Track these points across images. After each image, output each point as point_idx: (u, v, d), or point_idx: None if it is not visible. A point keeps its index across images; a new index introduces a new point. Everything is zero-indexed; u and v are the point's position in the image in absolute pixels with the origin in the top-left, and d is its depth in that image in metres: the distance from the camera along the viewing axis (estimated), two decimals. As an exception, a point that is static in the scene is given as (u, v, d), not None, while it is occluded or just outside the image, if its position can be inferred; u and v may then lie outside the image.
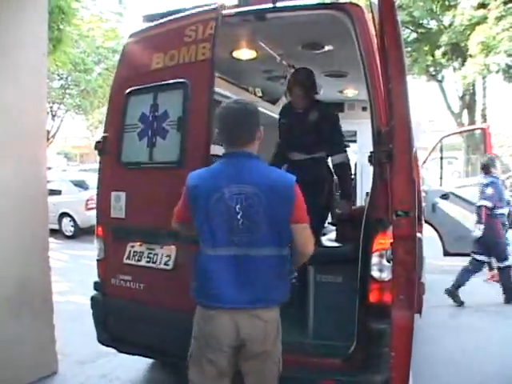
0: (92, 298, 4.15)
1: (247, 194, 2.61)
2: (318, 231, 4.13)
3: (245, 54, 4.95)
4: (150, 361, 4.73)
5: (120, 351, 4.18)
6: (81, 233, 13.49)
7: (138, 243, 3.92)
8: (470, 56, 18.03)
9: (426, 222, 5.81)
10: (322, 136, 4.44)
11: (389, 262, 2.40)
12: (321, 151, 4.55)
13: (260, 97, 6.70)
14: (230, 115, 2.72)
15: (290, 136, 4.63)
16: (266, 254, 2.64)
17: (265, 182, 2.64)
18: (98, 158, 4.27)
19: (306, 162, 4.52)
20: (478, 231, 6.70)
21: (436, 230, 7.62)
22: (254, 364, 2.71)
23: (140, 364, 4.76)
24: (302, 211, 2.68)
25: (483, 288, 7.60)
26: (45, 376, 4.65)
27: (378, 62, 3.24)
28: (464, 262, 6.94)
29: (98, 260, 4.16)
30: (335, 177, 4.66)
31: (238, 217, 2.60)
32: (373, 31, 3.34)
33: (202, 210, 2.65)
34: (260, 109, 6.31)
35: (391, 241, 2.36)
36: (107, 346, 4.15)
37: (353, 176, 8.46)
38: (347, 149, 9.59)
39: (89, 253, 4.08)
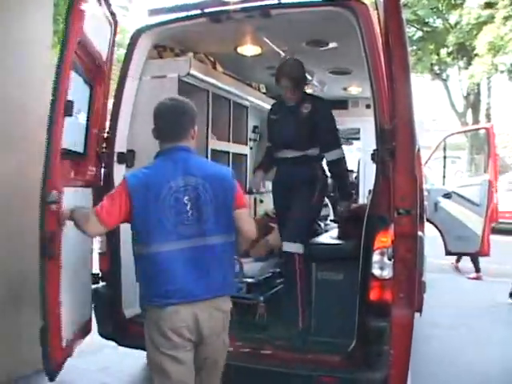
0: (94, 291, 4.16)
1: (193, 185, 2.65)
2: (307, 232, 4.13)
3: (249, 50, 4.94)
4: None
5: (120, 344, 4.19)
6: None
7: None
8: (477, 55, 17.98)
9: (428, 220, 5.81)
10: (315, 130, 4.17)
11: (390, 259, 2.40)
12: (314, 148, 4.23)
13: (264, 93, 6.70)
14: (166, 111, 2.79)
15: (281, 132, 4.34)
16: (217, 243, 2.69)
17: (207, 173, 2.72)
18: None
19: (299, 159, 4.22)
20: None
21: (438, 229, 7.61)
22: (211, 353, 2.76)
23: (140, 357, 4.75)
24: (242, 197, 2.88)
25: (484, 288, 7.61)
26: (42, 368, 4.68)
27: (383, 59, 3.24)
28: (465, 261, 6.95)
29: (100, 253, 4.18)
30: (329, 176, 4.44)
31: (187, 208, 2.63)
32: (378, 29, 3.34)
33: (149, 207, 2.61)
34: (264, 105, 6.40)
35: (392, 239, 2.36)
36: (108, 339, 4.16)
37: (355, 173, 8.51)
38: (350, 146, 9.66)
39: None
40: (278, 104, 4.60)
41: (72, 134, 3.46)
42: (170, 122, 2.77)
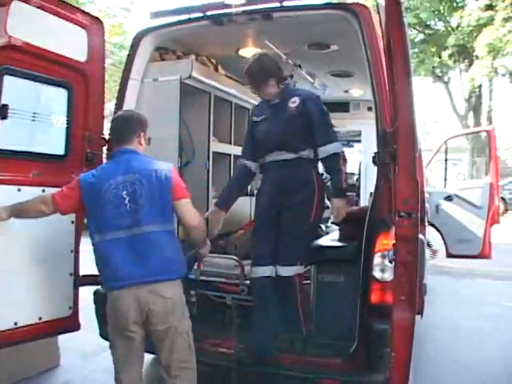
0: (95, 293, 4.17)
1: (131, 181, 3.03)
2: (308, 250, 3.74)
3: (251, 52, 4.93)
4: (151, 355, 4.74)
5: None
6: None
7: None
8: (477, 58, 17.98)
9: (429, 223, 5.80)
10: (308, 126, 3.70)
11: (391, 262, 2.40)
12: (309, 149, 3.73)
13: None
14: (116, 120, 3.34)
15: (269, 132, 3.80)
16: (153, 231, 3.01)
17: (145, 169, 3.08)
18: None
19: (291, 162, 3.73)
20: None
21: (439, 231, 7.61)
22: (163, 339, 3.04)
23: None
24: (182, 189, 3.14)
25: (487, 290, 7.60)
26: (48, 369, 4.69)
27: (384, 63, 3.24)
28: (466, 264, 6.93)
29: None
30: (327, 180, 4.01)
31: (126, 201, 3.00)
32: (379, 32, 3.34)
33: (96, 202, 3.04)
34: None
35: (394, 241, 2.37)
36: (109, 340, 4.16)
37: (356, 176, 8.51)
38: (352, 148, 9.64)
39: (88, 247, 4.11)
40: (261, 105, 4.09)
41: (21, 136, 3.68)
42: (117, 129, 3.30)
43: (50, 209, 3.20)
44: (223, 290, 3.93)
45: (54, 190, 3.60)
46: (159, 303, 2.99)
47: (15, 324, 3.55)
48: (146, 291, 2.97)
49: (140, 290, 2.97)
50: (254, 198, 6.66)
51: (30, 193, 3.59)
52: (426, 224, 5.28)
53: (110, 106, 9.32)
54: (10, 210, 3.26)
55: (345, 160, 3.73)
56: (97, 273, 4.11)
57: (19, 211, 3.27)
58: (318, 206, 3.75)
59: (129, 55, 4.31)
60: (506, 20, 16.76)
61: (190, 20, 4.12)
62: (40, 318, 3.71)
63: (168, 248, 3.08)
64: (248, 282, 3.88)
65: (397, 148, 2.30)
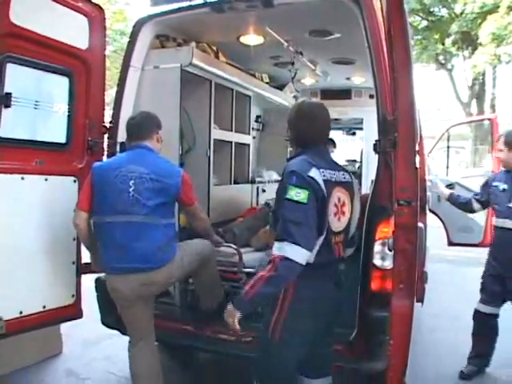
0: (96, 280, 4.18)
1: (140, 174, 3.23)
2: None
3: (252, 39, 4.92)
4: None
5: (123, 334, 4.21)
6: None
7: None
8: (481, 45, 17.89)
9: (430, 211, 5.79)
10: None
11: (390, 250, 2.41)
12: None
13: (267, 82, 6.68)
14: (135, 118, 3.52)
15: None
16: (150, 222, 3.21)
17: (156, 168, 3.30)
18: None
19: None
20: None
21: (441, 219, 7.60)
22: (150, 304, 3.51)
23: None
24: (190, 197, 3.43)
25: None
26: (50, 356, 4.73)
27: (385, 49, 3.22)
28: (467, 252, 6.92)
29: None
30: None
31: (130, 190, 3.20)
32: (380, 19, 3.32)
33: (103, 185, 3.28)
34: (266, 94, 6.39)
35: (393, 229, 2.37)
36: (111, 328, 4.18)
37: (358, 163, 8.50)
38: (353, 136, 9.63)
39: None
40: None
41: (23, 124, 3.70)
42: (135, 126, 3.47)
43: (81, 217, 3.40)
44: (222, 277, 3.94)
45: (56, 178, 3.70)
46: (153, 288, 3.35)
47: (20, 313, 3.58)
48: (138, 280, 3.24)
49: (132, 278, 3.24)
50: (255, 186, 6.74)
51: (33, 181, 3.62)
52: (427, 212, 5.27)
53: (111, 93, 9.32)
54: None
55: None
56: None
57: (90, 244, 3.53)
58: None
59: (129, 43, 4.29)
60: (510, 8, 16.62)
61: (190, 7, 4.09)
62: (44, 307, 3.75)
63: (161, 239, 3.28)
64: (247, 270, 3.89)
65: (397, 136, 2.29)
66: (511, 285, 4.35)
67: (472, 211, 4.88)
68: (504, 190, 4.44)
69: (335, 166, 2.89)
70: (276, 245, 2.59)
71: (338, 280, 2.89)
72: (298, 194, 2.57)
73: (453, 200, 5.04)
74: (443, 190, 5.07)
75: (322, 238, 2.68)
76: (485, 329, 4.57)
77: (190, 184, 3.43)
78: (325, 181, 2.66)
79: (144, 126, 3.45)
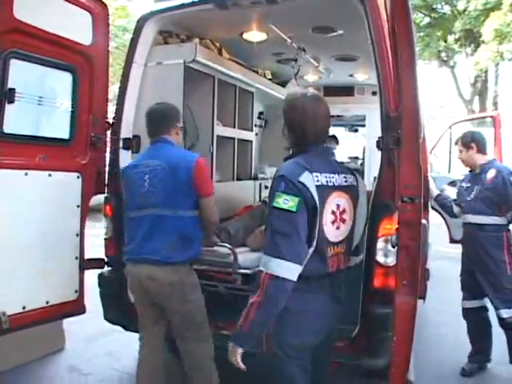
0: (99, 276, 4.19)
1: (154, 166, 3.22)
2: None
3: (255, 36, 4.92)
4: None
5: (126, 329, 4.23)
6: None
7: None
8: (483, 42, 17.83)
9: (432, 208, 5.79)
10: None
11: (394, 247, 2.40)
12: None
13: (270, 79, 6.69)
14: (151, 113, 3.40)
15: None
16: (166, 214, 3.17)
17: (171, 159, 3.22)
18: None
19: None
20: None
21: (442, 216, 7.60)
22: (166, 311, 3.30)
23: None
24: (205, 187, 3.26)
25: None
26: (53, 352, 4.74)
27: (389, 46, 3.22)
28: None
29: (105, 239, 4.20)
30: None
31: (146, 184, 3.21)
32: (384, 16, 3.31)
33: (127, 184, 3.36)
34: (269, 91, 6.38)
35: (397, 226, 2.37)
36: (114, 324, 4.19)
37: (361, 160, 8.49)
38: (356, 133, 9.59)
39: (93, 231, 4.15)
40: None
41: (27, 120, 3.72)
42: (154, 121, 3.39)
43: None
44: (216, 279, 3.93)
45: (59, 174, 3.73)
46: (156, 288, 3.20)
47: (24, 308, 3.59)
48: (145, 273, 3.20)
49: (140, 270, 3.23)
50: (257, 182, 6.74)
51: (36, 177, 3.62)
52: (429, 209, 5.27)
53: (114, 89, 9.30)
54: None
55: None
56: (101, 256, 4.19)
57: None
58: None
59: (132, 39, 4.29)
60: (513, 5, 16.58)
61: (193, 3, 4.09)
62: (47, 302, 3.76)
63: (173, 233, 3.18)
64: (242, 271, 3.86)
65: (400, 133, 2.29)
66: (480, 279, 4.44)
67: (454, 216, 4.90)
68: (467, 187, 4.63)
69: (336, 168, 2.61)
70: (263, 259, 2.39)
71: (336, 294, 2.64)
72: (286, 202, 2.34)
73: (439, 202, 5.06)
74: (432, 190, 5.09)
75: (311, 250, 2.43)
76: (476, 324, 4.63)
77: (204, 170, 3.31)
78: (318, 186, 2.42)
79: (162, 121, 3.39)
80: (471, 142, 4.55)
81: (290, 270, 2.33)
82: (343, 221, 2.57)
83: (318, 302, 2.55)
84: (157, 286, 3.18)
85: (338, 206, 2.54)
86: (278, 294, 2.34)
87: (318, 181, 2.44)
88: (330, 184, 2.50)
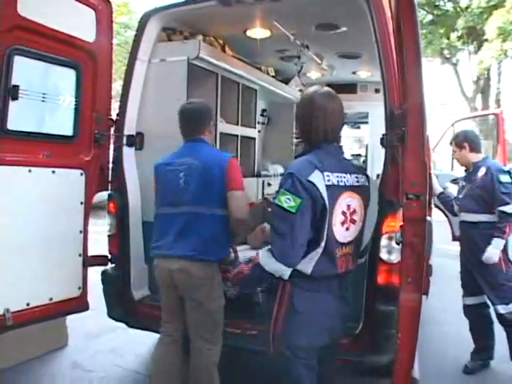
0: (103, 273, 4.20)
1: (189, 165, 3.24)
2: None
3: (259, 33, 4.92)
4: (158, 336, 4.77)
5: (129, 326, 4.23)
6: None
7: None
8: (487, 40, 17.79)
9: (435, 206, 5.79)
10: None
11: (398, 244, 2.39)
12: None
13: (273, 76, 6.68)
14: (186, 113, 3.39)
15: None
16: (199, 212, 3.19)
17: (205, 157, 3.26)
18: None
19: None
20: None
21: (445, 214, 7.59)
22: (189, 312, 3.28)
23: (148, 339, 4.81)
24: (235, 181, 3.24)
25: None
26: (55, 349, 4.75)
27: (393, 43, 3.22)
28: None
29: (109, 236, 4.20)
30: None
31: (181, 181, 3.24)
32: (388, 13, 3.31)
33: (160, 180, 3.38)
34: (272, 88, 6.38)
35: (401, 223, 2.36)
36: (118, 320, 4.20)
37: (363, 157, 8.48)
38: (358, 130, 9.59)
39: (95, 228, 4.15)
40: None
41: (31, 116, 3.72)
42: (189, 121, 3.38)
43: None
44: None
45: (63, 171, 3.74)
46: (186, 280, 3.19)
47: (27, 305, 3.60)
48: (176, 266, 3.18)
49: (172, 264, 3.20)
50: (260, 179, 6.74)
51: (40, 174, 3.63)
52: (432, 207, 5.27)
53: (116, 87, 9.30)
54: None
55: None
56: (104, 253, 4.20)
57: None
58: None
59: (136, 35, 4.28)
60: (517, 3, 16.53)
61: (197, 0, 4.09)
62: (51, 299, 3.77)
63: (207, 230, 3.20)
64: None
65: (406, 129, 2.28)
66: (477, 276, 4.47)
67: (455, 214, 4.93)
68: (462, 186, 4.71)
69: (348, 168, 2.58)
70: (265, 247, 2.52)
71: (344, 294, 2.64)
72: (288, 201, 2.34)
73: (441, 200, 5.07)
74: (436, 187, 5.09)
75: (319, 250, 2.42)
76: (477, 320, 4.63)
77: (237, 168, 3.33)
78: (329, 186, 2.40)
79: (197, 122, 3.41)
80: (463, 141, 4.61)
81: (275, 270, 2.43)
82: (353, 222, 2.55)
83: (326, 303, 2.55)
84: (187, 279, 3.19)
85: (348, 206, 2.51)
86: (261, 277, 2.57)
87: (328, 180, 2.41)
88: (341, 184, 2.47)
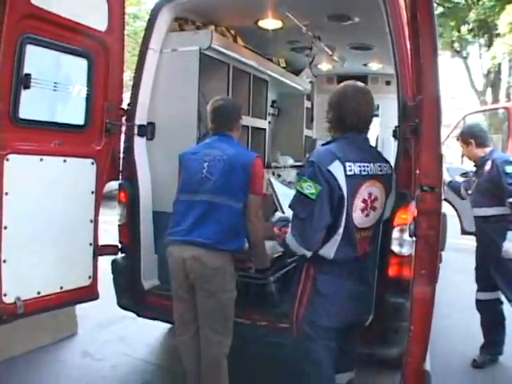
0: (113, 262, 4.21)
1: (214, 156, 3.32)
2: None
3: (270, 23, 4.90)
4: (167, 326, 4.80)
5: (139, 315, 4.25)
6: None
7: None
8: (499, 35, 17.65)
9: (445, 199, 5.76)
10: None
11: (411, 236, 2.39)
12: None
13: (284, 67, 6.66)
14: (217, 110, 3.47)
15: None
16: (219, 202, 3.24)
17: (232, 153, 3.32)
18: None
19: None
20: None
21: (454, 208, 7.56)
22: (200, 296, 3.26)
23: (157, 329, 4.85)
24: (257, 185, 3.33)
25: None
26: (65, 337, 4.78)
27: (407, 34, 3.19)
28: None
29: (119, 225, 4.21)
30: None
31: (204, 171, 3.30)
32: (402, 3, 3.28)
33: (184, 168, 3.43)
34: (283, 79, 6.36)
35: (414, 215, 2.35)
36: (127, 310, 4.22)
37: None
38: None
39: (104, 218, 4.16)
40: None
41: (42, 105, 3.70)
42: (219, 117, 3.48)
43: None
44: None
45: (74, 160, 3.74)
46: (199, 269, 3.20)
47: (38, 293, 3.61)
48: (189, 255, 3.20)
49: (185, 252, 3.21)
50: (270, 170, 6.72)
51: (51, 163, 3.63)
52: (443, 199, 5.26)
53: (125, 77, 9.29)
54: None
55: None
56: (115, 243, 4.21)
57: None
58: None
59: (147, 25, 4.28)
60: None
61: (209, -10, 4.09)
62: (61, 288, 3.78)
63: (226, 219, 3.24)
64: None
65: (421, 121, 2.27)
66: (492, 270, 4.43)
67: (461, 197, 5.04)
68: (473, 181, 4.68)
69: (371, 158, 2.72)
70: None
71: (363, 276, 2.84)
72: (309, 188, 2.51)
73: (451, 187, 5.16)
74: (445, 177, 5.10)
75: (339, 236, 2.61)
76: (490, 316, 4.60)
77: (261, 170, 3.41)
78: (349, 176, 2.54)
79: (227, 119, 3.49)
80: (469, 138, 4.59)
81: (298, 249, 2.65)
82: (374, 209, 2.71)
83: (347, 285, 2.72)
84: (200, 268, 3.19)
85: (369, 194, 2.67)
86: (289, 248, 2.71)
87: (350, 170, 2.56)
88: (363, 173, 2.62)
